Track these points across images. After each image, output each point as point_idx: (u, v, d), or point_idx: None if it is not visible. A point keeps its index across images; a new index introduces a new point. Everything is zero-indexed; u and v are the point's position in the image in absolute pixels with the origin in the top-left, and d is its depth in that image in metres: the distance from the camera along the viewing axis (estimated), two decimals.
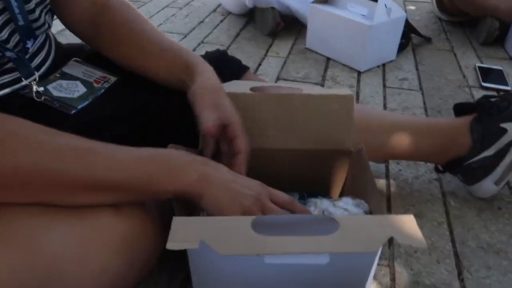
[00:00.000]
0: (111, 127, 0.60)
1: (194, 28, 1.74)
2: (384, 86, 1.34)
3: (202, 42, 1.61)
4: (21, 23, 0.52)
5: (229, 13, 1.88)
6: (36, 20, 0.55)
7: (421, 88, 1.33)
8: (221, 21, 1.82)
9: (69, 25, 0.67)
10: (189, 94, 0.56)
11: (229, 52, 0.82)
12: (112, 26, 0.63)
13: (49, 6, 0.59)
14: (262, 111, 0.62)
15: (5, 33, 0.51)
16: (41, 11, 0.56)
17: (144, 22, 0.64)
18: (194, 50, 1.55)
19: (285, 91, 0.65)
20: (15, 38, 0.53)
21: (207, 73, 0.58)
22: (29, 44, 0.56)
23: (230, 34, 1.69)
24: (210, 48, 1.62)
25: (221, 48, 1.54)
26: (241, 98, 0.60)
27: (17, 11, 0.50)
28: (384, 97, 1.27)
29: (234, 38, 1.65)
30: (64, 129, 0.50)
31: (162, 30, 1.75)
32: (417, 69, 1.46)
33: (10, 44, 0.52)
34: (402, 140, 0.81)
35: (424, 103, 1.24)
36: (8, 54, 0.52)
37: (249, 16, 1.79)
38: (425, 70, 1.46)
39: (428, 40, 1.67)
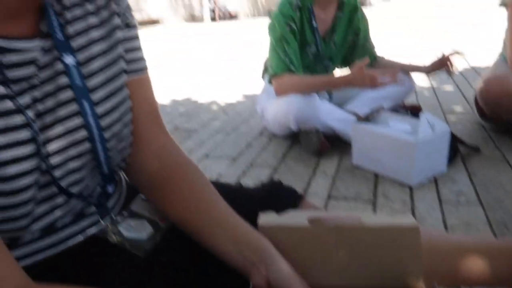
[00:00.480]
0: (175, 277, 0.59)
1: (242, 152, 1.84)
2: (440, 200, 1.30)
3: (251, 164, 1.69)
4: (105, 171, 0.58)
5: (275, 135, 2.00)
6: (113, 164, 0.59)
7: (480, 201, 1.28)
8: (268, 144, 1.92)
9: (130, 175, 0.64)
10: (259, 278, 0.51)
11: (278, 173, 0.85)
12: (179, 192, 0.60)
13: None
14: (321, 245, 0.61)
15: (93, 184, 0.56)
16: (117, 154, 0.60)
17: (213, 192, 0.61)
18: (243, 173, 1.61)
19: (344, 221, 0.65)
20: (99, 184, 0.58)
21: (280, 258, 0.54)
22: (110, 189, 0.61)
23: (277, 155, 1.76)
24: (259, 170, 1.69)
25: (270, 169, 1.60)
26: (299, 231, 0.60)
27: (104, 162, 0.56)
28: (442, 213, 1.23)
29: (282, 159, 1.72)
30: (134, 273, 0.51)
31: (213, 155, 1.87)
32: (471, 180, 1.43)
33: (95, 192, 0.57)
34: (473, 264, 0.75)
35: (487, 218, 1.18)
36: (92, 201, 0.57)
37: (294, 137, 1.89)
38: (480, 181, 1.41)
39: (476, 150, 1.66)
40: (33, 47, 0.45)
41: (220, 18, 12.99)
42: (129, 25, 0.57)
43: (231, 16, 13.54)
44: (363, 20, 1.92)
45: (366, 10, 1.97)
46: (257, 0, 15.41)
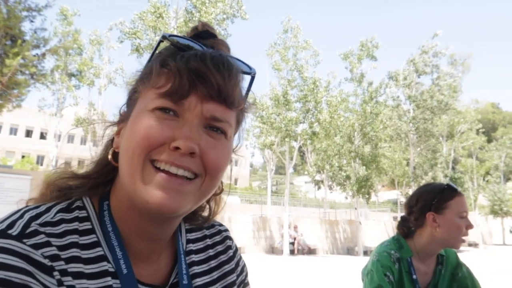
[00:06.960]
0: None
1: None
2: None
3: None
4: None
5: None
6: None
7: None
8: None
9: None
10: None
11: None
12: None
13: None
14: None
15: None
16: None
17: None
18: None
19: None
20: None
21: None
22: None
23: None
24: None
25: None
26: None
27: None
28: None
29: None
30: None
31: None
32: None
33: None
34: None
35: None
36: None
37: None
38: None
39: None
40: None
41: (299, 252, 13.09)
42: (243, 284, 0.59)
43: (310, 251, 13.61)
44: (470, 278, 1.81)
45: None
46: (337, 238, 15.65)
